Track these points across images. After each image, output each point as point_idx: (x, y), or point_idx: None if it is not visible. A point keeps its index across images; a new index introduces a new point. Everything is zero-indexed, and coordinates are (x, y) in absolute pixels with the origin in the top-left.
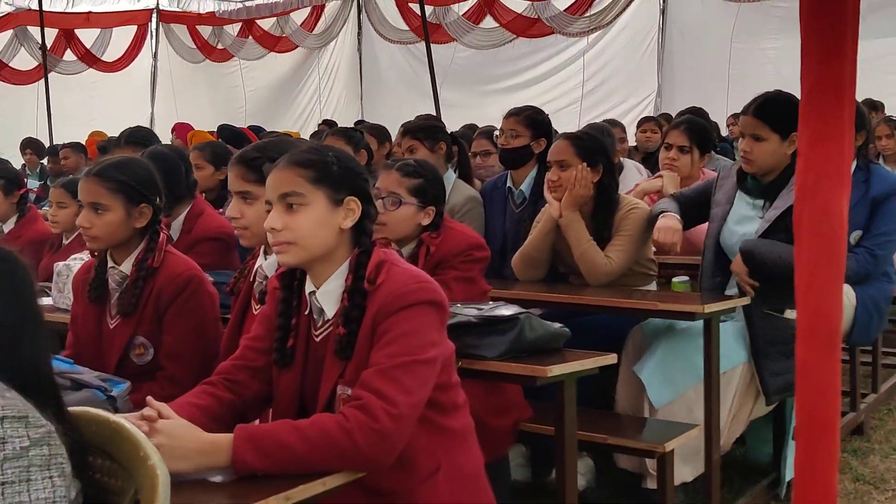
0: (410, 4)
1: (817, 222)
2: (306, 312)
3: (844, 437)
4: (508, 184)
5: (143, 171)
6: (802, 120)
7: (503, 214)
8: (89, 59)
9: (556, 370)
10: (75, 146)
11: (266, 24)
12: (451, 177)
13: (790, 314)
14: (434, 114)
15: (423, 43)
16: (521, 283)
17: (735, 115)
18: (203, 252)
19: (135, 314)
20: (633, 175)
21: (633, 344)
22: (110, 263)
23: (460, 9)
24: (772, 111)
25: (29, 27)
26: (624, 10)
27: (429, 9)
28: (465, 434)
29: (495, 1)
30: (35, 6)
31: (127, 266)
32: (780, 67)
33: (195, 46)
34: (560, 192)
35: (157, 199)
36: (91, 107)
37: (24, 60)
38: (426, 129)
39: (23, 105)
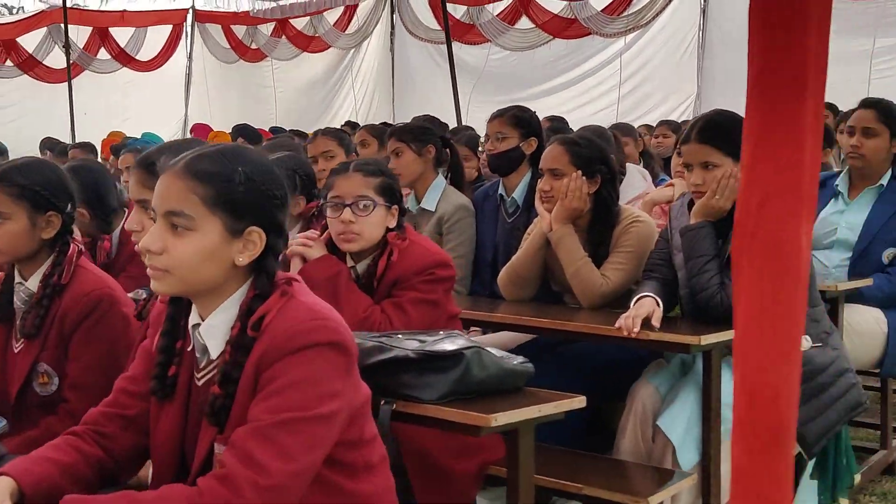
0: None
1: (764, 259)
2: (189, 349)
3: (873, 477)
4: (500, 191)
5: (52, 174)
6: (746, 121)
7: (495, 225)
8: (123, 57)
9: (504, 418)
10: (85, 146)
11: (299, 24)
12: (440, 183)
13: (802, 344)
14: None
15: (456, 44)
16: (508, 303)
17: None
18: (140, 265)
19: (38, 337)
20: (637, 182)
21: (647, 385)
22: (17, 279)
23: (495, 9)
24: (719, 132)
25: (63, 25)
26: (663, 9)
27: (462, 8)
28: (380, 499)
29: (531, 1)
30: (69, 4)
31: (34, 282)
32: (827, 71)
33: (229, 46)
34: (552, 204)
35: (68, 206)
36: (125, 106)
37: (58, 58)
38: (414, 130)
39: (56, 103)
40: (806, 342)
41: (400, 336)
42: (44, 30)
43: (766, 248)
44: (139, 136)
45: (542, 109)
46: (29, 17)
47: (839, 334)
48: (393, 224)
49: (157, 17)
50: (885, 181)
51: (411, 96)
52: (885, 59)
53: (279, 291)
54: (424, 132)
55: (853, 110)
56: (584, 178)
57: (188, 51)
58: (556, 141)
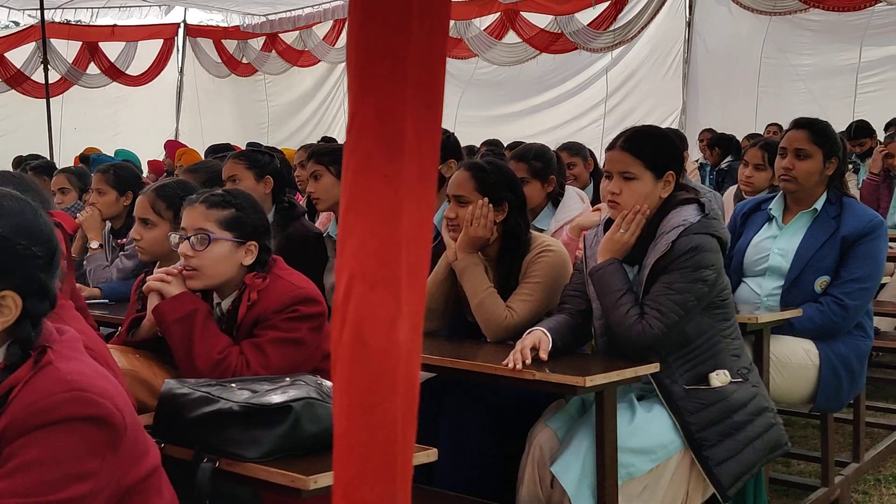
0: None
1: (351, 364)
2: None
3: None
4: None
5: None
6: (343, 178)
7: None
8: (113, 72)
9: (328, 479)
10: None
11: (289, 38)
12: None
13: (717, 380)
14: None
15: None
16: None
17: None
18: None
19: None
20: (573, 204)
21: (544, 428)
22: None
23: (482, 23)
24: (645, 145)
25: (52, 40)
26: (649, 23)
27: (450, 23)
28: None
29: (518, 15)
30: (59, 18)
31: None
32: (811, 84)
33: (221, 61)
34: (459, 232)
35: None
36: (115, 121)
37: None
38: (334, 152)
39: (44, 118)
40: (724, 377)
41: (234, 385)
42: (32, 45)
43: (352, 351)
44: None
45: (529, 125)
46: (15, 32)
47: (765, 370)
48: (249, 261)
49: (148, 31)
50: (819, 205)
51: None
52: (871, 72)
53: (32, 359)
54: (336, 159)
55: (787, 130)
56: (490, 205)
57: (179, 65)
58: (462, 167)
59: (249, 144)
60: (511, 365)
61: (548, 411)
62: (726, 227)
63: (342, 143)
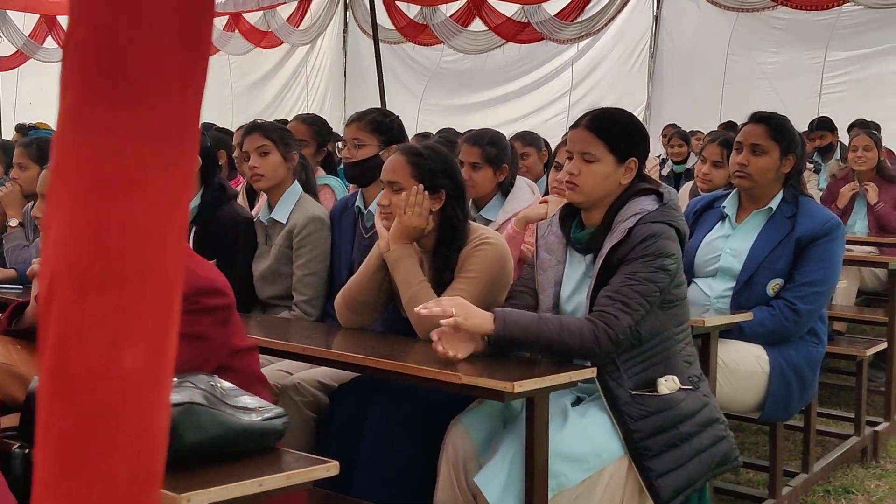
0: (398, 3)
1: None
2: None
3: None
4: (358, 203)
5: None
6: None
7: (352, 240)
8: None
9: (204, 497)
10: None
11: (253, 18)
12: (296, 191)
13: (666, 386)
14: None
15: (409, 44)
16: (346, 331)
17: (724, 124)
18: None
19: None
20: (524, 195)
21: (457, 426)
22: None
23: (448, 10)
24: (610, 127)
25: (9, 11)
26: (616, 15)
27: (416, 9)
28: None
29: (485, 3)
30: None
31: None
32: (777, 84)
33: None
34: (392, 221)
35: None
36: None
37: (2, 47)
38: (281, 131)
39: (1, 92)
40: (673, 383)
41: None
42: None
43: (53, 382)
44: None
45: (494, 115)
46: None
47: (711, 376)
48: None
49: None
50: (774, 204)
51: (364, 96)
52: (836, 72)
53: None
54: (290, 136)
55: (744, 124)
56: (426, 193)
57: None
58: (397, 150)
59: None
60: (441, 354)
61: (468, 408)
62: (684, 219)
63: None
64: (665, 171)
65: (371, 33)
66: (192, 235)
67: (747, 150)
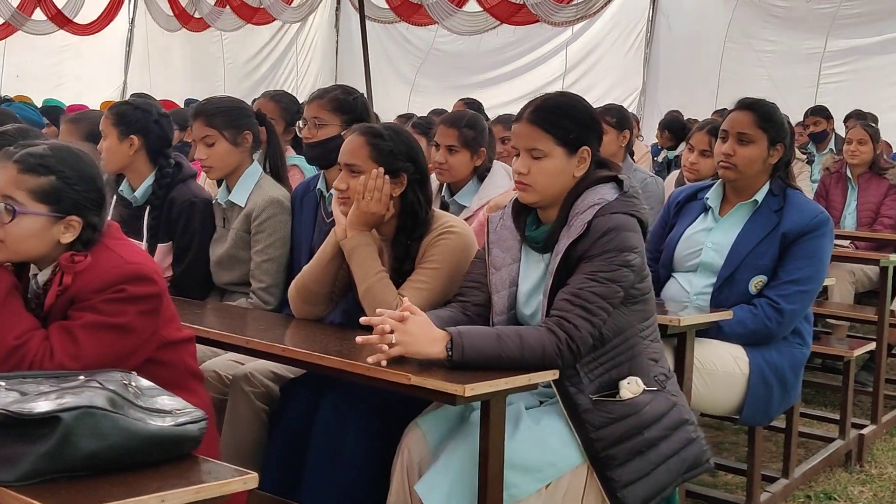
0: None
1: None
2: None
3: None
4: (320, 186)
5: None
6: None
7: (313, 224)
8: (60, 19)
9: None
10: None
11: None
12: (254, 173)
13: (628, 390)
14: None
15: (403, 24)
16: (299, 322)
17: (719, 112)
18: None
19: None
20: (500, 181)
21: (414, 428)
22: None
23: None
24: (556, 117)
25: None
26: None
27: None
28: None
29: None
30: None
31: None
32: (774, 71)
33: (172, 14)
34: (350, 206)
35: None
36: (59, 71)
37: None
38: (228, 113)
39: None
40: (636, 385)
41: (3, 384)
42: None
43: None
44: (71, 103)
45: (486, 98)
46: None
47: (686, 377)
48: (69, 239)
49: None
50: (759, 197)
51: (354, 75)
52: (835, 62)
53: None
54: (240, 114)
55: (730, 111)
56: (386, 177)
57: (130, 16)
58: (356, 131)
59: (135, 95)
60: (373, 362)
61: (428, 409)
62: (646, 208)
63: (235, 98)
64: (660, 158)
65: (366, 13)
66: (146, 217)
67: (733, 139)
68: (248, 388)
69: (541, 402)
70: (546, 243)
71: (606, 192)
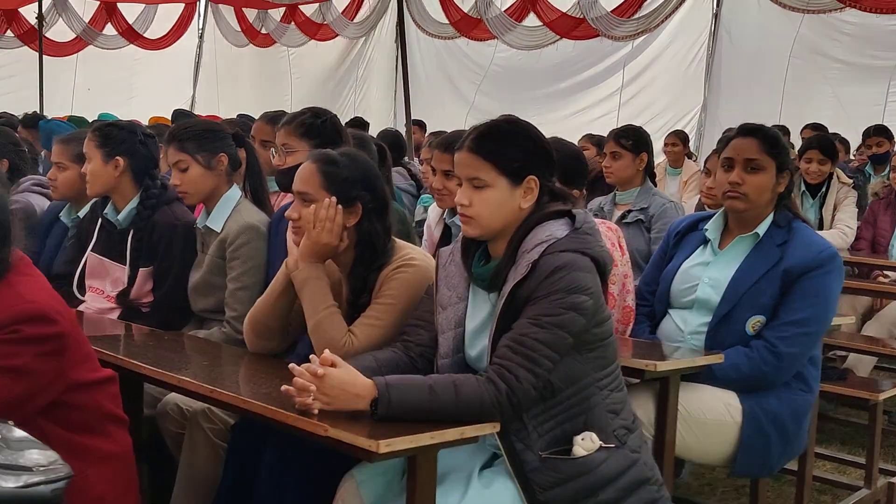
0: None
1: None
2: None
3: None
4: None
5: None
6: None
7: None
8: (131, 34)
9: None
10: None
11: (309, 10)
12: (233, 197)
13: (582, 447)
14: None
15: (462, 40)
16: (250, 357)
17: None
18: None
19: None
20: None
21: (349, 480)
22: None
23: (503, 4)
24: (497, 145)
25: None
26: (674, 12)
27: (470, 2)
28: None
29: None
30: None
31: None
32: (840, 88)
33: (240, 29)
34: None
35: None
36: (130, 84)
37: (62, 32)
38: (200, 137)
39: (58, 77)
40: (590, 442)
41: None
42: (49, 1)
43: None
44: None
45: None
46: None
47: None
48: None
49: None
50: (761, 230)
51: (413, 90)
52: None
53: None
54: (214, 137)
55: (732, 138)
56: (339, 206)
57: (199, 31)
58: (308, 157)
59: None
60: (295, 401)
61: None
62: (605, 245)
63: (209, 121)
64: None
65: (426, 28)
66: (129, 241)
67: (740, 167)
68: (206, 424)
69: (496, 457)
70: (492, 281)
71: (557, 229)
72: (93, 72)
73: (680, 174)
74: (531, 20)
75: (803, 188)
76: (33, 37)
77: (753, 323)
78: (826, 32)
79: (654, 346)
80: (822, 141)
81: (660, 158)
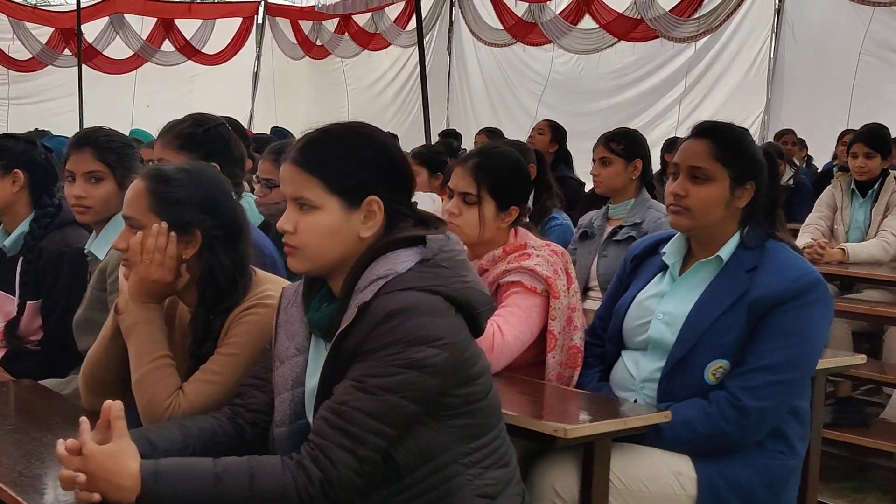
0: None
1: None
2: None
3: None
4: None
5: None
6: None
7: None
8: (188, 50)
9: None
10: None
11: (361, 20)
12: (121, 219)
13: None
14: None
15: (519, 46)
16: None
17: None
18: None
19: None
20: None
21: None
22: None
23: (557, 7)
24: (324, 156)
25: (126, 15)
26: (735, 9)
27: (523, 6)
28: None
29: None
30: None
31: None
32: None
33: (296, 42)
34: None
35: None
36: (189, 100)
37: (119, 49)
38: (121, 151)
39: (117, 93)
40: None
41: None
42: (105, 19)
43: None
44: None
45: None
46: (89, 6)
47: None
48: None
49: (227, 9)
50: (725, 253)
51: (465, 98)
52: None
53: None
54: (134, 156)
55: (684, 139)
56: (172, 234)
57: (257, 45)
58: (138, 175)
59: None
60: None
61: None
62: (471, 280)
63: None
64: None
65: (480, 35)
66: (18, 269)
67: (685, 176)
68: None
69: None
70: (329, 328)
71: (400, 261)
72: (151, 89)
73: None
74: (587, 23)
75: (853, 185)
76: (91, 55)
77: (714, 369)
78: None
79: (593, 400)
80: (869, 132)
81: None
